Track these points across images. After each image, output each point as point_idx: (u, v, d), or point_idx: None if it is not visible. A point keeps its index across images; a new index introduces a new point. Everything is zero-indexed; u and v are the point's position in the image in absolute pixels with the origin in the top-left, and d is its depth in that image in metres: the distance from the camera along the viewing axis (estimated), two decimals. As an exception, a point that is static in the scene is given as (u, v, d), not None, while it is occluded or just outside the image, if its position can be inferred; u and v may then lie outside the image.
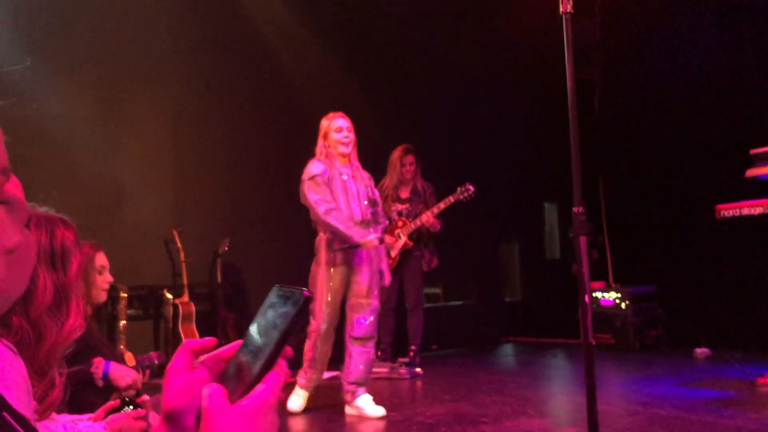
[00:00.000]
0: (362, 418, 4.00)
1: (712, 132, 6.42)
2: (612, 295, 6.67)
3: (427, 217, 5.61)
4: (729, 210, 4.48)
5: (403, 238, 5.67)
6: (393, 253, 5.65)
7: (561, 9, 2.36)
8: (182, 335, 5.38)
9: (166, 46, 6.12)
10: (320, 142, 4.19)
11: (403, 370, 5.33)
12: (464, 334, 7.38)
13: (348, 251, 4.04)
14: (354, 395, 4.08)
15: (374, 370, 5.33)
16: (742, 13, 6.32)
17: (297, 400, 4.18)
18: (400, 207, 5.82)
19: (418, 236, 5.80)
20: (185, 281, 5.60)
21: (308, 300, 0.69)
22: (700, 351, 5.95)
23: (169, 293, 5.59)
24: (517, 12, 6.99)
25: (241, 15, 6.51)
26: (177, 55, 6.18)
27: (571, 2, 2.34)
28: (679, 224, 6.64)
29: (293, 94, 6.82)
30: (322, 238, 4.15)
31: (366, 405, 4.05)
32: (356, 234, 3.94)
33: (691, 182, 6.52)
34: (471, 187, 5.60)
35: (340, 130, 4.12)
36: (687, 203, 6.45)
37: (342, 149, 4.12)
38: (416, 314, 5.83)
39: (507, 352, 7.18)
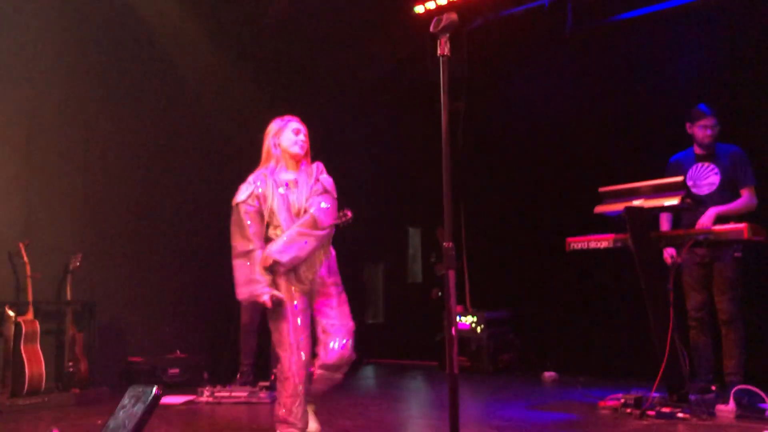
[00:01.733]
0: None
1: (565, 169, 6.86)
2: (469, 319, 6.93)
3: None
4: (578, 243, 4.78)
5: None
6: None
7: (439, 51, 2.45)
8: (24, 356, 5.00)
9: (23, 37, 5.69)
10: (269, 141, 3.79)
11: (263, 394, 5.22)
12: (326, 356, 7.36)
13: None
14: None
15: (233, 394, 5.23)
16: (595, 58, 6.82)
17: None
18: None
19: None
20: (30, 298, 5.21)
21: (158, 397, 0.70)
22: (548, 375, 6.30)
23: (11, 310, 5.18)
24: (392, 41, 7.17)
25: (106, 10, 6.21)
26: (36, 48, 5.75)
27: (448, 45, 2.43)
28: (533, 253, 7.01)
29: (160, 96, 6.58)
30: None
31: None
32: (247, 290, 3.61)
33: (545, 215, 6.93)
34: (349, 213, 5.61)
35: (297, 131, 3.80)
36: (540, 234, 6.83)
37: (296, 150, 3.76)
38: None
39: (368, 374, 7.24)
